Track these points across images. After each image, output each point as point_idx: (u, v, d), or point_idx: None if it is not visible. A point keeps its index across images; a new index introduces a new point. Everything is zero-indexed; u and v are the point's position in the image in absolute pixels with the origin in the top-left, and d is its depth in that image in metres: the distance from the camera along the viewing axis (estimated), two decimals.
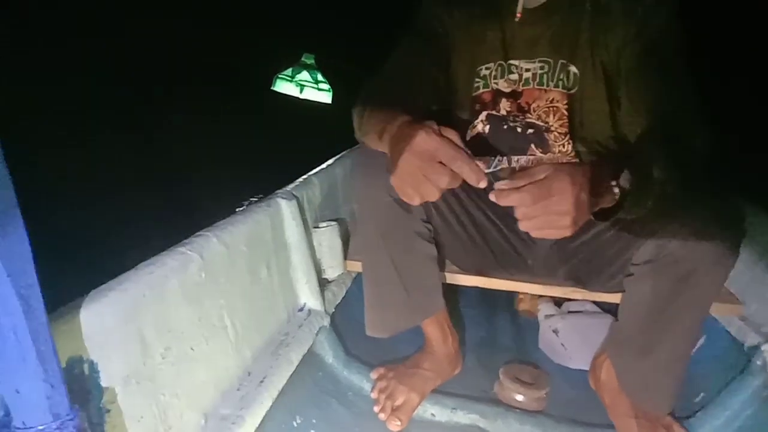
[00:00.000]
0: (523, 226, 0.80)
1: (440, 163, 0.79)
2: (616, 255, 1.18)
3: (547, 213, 0.77)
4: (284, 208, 1.23)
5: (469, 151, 0.80)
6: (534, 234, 0.80)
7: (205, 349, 0.94)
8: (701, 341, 1.50)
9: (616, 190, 0.85)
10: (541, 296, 1.76)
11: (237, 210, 1.14)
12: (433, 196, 0.82)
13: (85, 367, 0.69)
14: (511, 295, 1.88)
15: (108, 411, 0.72)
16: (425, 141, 0.80)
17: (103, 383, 0.72)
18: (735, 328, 1.38)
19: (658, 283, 1.05)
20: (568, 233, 0.79)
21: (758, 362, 1.24)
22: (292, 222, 1.25)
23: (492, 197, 0.79)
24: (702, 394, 1.35)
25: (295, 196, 1.27)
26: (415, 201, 0.83)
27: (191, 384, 0.90)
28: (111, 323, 0.74)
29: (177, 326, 0.87)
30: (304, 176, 1.43)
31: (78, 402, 0.63)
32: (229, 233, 1.03)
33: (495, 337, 1.72)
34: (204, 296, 0.94)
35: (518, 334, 1.74)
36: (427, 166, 0.79)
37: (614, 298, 1.24)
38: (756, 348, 1.27)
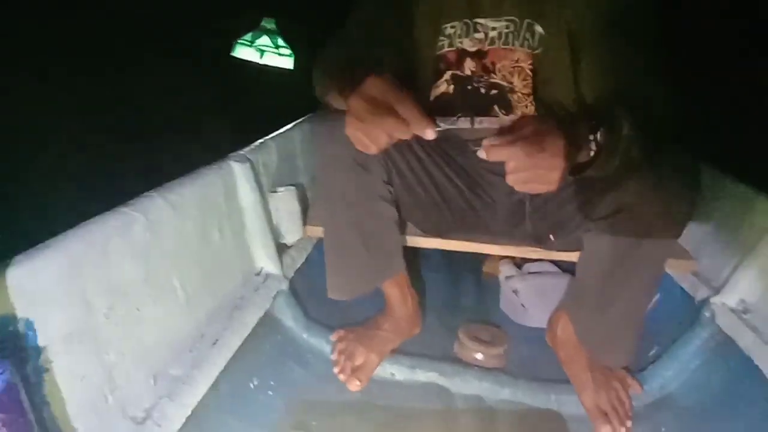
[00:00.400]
0: (510, 181, 0.80)
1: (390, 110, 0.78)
2: (575, 212, 1.18)
3: (537, 167, 0.77)
4: (237, 171, 1.22)
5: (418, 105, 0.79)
6: (520, 188, 0.81)
7: (153, 309, 0.93)
8: (656, 298, 1.53)
9: (593, 145, 0.85)
10: (503, 258, 1.78)
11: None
12: (382, 140, 0.81)
13: (20, 325, 0.68)
14: (476, 258, 1.89)
15: (46, 370, 0.71)
16: (373, 84, 0.80)
17: (41, 342, 0.71)
18: (687, 283, 1.41)
19: (616, 238, 1.06)
20: (553, 188, 0.79)
21: (707, 314, 1.28)
22: (246, 185, 1.23)
23: (481, 153, 0.79)
24: (656, 348, 1.39)
25: (249, 160, 1.25)
26: (370, 149, 0.83)
27: (139, 344, 0.89)
28: (47, 281, 0.73)
29: (121, 286, 0.86)
30: (260, 140, 1.41)
31: (12, 360, 0.63)
32: (177, 194, 1.01)
33: (457, 298, 1.74)
34: (150, 257, 0.93)
35: (480, 296, 1.76)
36: (373, 109, 0.79)
37: (573, 257, 1.25)
38: (705, 301, 1.30)
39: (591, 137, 0.85)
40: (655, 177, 0.98)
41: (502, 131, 0.79)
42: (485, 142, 0.79)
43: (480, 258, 1.90)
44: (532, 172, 0.78)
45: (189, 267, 1.04)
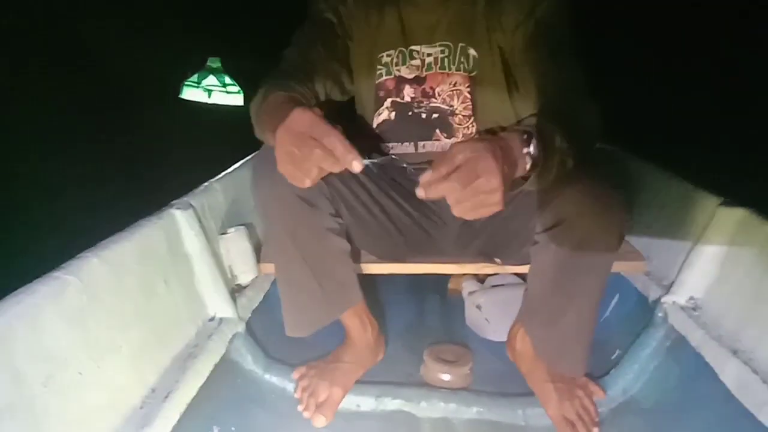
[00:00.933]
0: (457, 212, 0.79)
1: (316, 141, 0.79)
2: (521, 226, 1.20)
3: (477, 194, 0.77)
4: (179, 218, 1.21)
5: (345, 140, 0.80)
6: (468, 217, 0.80)
7: (97, 372, 0.91)
8: (614, 300, 1.55)
9: (528, 159, 0.86)
10: (465, 275, 1.79)
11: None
12: (312, 174, 0.82)
13: None
14: (440, 276, 1.90)
15: None
16: (299, 118, 0.81)
17: None
18: (641, 283, 1.43)
19: (558, 250, 1.08)
20: (500, 208, 0.79)
21: (660, 314, 1.29)
22: (190, 232, 1.22)
23: (419, 193, 0.79)
24: (617, 351, 1.40)
25: (192, 206, 1.25)
26: (303, 182, 0.83)
27: (82, 410, 0.87)
28: None
29: (58, 353, 0.85)
30: (206, 183, 1.40)
31: None
32: (113, 251, 1.00)
33: (422, 319, 1.74)
34: (88, 320, 0.91)
35: (446, 314, 1.76)
36: (299, 142, 0.80)
37: (525, 269, 1.26)
38: (657, 301, 1.31)
39: (524, 150, 0.86)
40: (590, 188, 1.01)
41: (434, 166, 0.79)
42: (421, 179, 0.79)
43: (445, 277, 1.91)
44: (474, 199, 0.77)
45: (133, 324, 1.02)
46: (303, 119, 0.81)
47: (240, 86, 3.35)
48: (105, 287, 0.96)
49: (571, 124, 0.95)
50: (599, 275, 1.11)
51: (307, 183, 0.83)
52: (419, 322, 1.72)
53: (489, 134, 1.18)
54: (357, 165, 0.79)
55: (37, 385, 0.80)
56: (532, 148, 0.86)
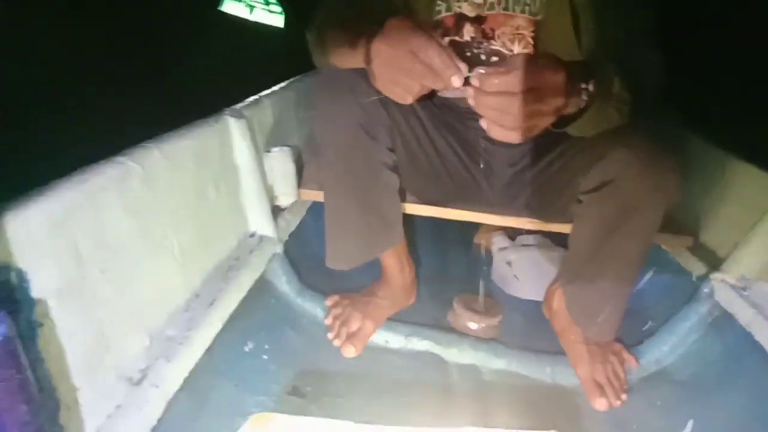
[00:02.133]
0: (496, 127, 0.75)
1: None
2: (567, 183, 1.17)
3: (538, 103, 0.73)
4: (233, 126, 1.16)
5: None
6: (510, 134, 0.75)
7: (149, 267, 0.88)
8: (650, 273, 1.53)
9: (585, 96, 0.82)
10: (496, 230, 1.76)
11: None
12: (414, 90, 0.78)
13: (13, 275, 0.63)
14: (466, 229, 1.87)
15: (41, 325, 0.66)
16: (395, 28, 0.77)
17: (34, 295, 0.66)
18: (684, 259, 1.40)
19: (603, 211, 1.05)
20: (549, 123, 0.76)
21: (706, 290, 1.27)
22: (242, 142, 1.17)
23: (474, 81, 0.74)
24: (650, 323, 1.39)
25: (244, 116, 1.20)
26: (405, 99, 0.79)
27: (134, 303, 0.84)
28: (40, 232, 0.67)
29: (116, 240, 0.81)
30: (255, 96, 1.35)
31: (8, 311, 0.58)
32: (174, 146, 0.95)
33: (449, 269, 1.72)
34: (147, 211, 0.87)
35: (473, 267, 1.74)
36: (399, 56, 0.75)
37: (567, 228, 1.23)
38: (704, 277, 1.29)
39: (584, 85, 0.82)
40: (643, 149, 0.97)
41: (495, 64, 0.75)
42: (476, 70, 0.75)
43: (470, 229, 1.88)
44: (531, 107, 0.73)
45: (185, 224, 0.98)
46: (401, 30, 0.76)
47: (282, 8, 3.23)
48: (164, 181, 0.92)
49: (632, 75, 0.91)
50: (641, 243, 1.08)
51: (409, 99, 0.79)
52: (446, 270, 1.70)
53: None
54: (456, 80, 0.74)
55: (95, 269, 0.77)
56: (590, 86, 0.82)
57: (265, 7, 3.12)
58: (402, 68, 0.76)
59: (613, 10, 1.06)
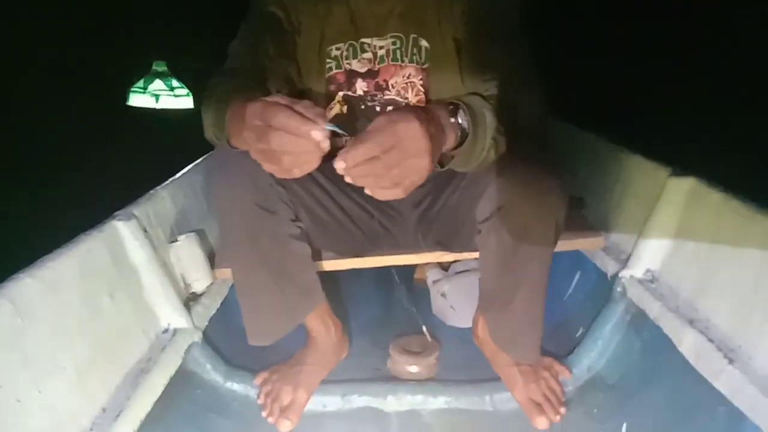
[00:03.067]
0: (378, 190, 0.73)
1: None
2: (466, 214, 1.19)
3: (404, 158, 0.71)
4: (122, 230, 1.16)
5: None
6: (393, 191, 0.73)
7: (38, 396, 0.87)
8: (576, 278, 1.55)
9: (457, 129, 0.83)
10: (429, 264, 1.77)
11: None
12: (285, 162, 0.73)
13: None
14: (407, 269, 1.88)
15: None
16: (251, 112, 0.74)
17: None
18: (599, 259, 1.42)
19: (500, 237, 1.07)
20: (427, 171, 0.74)
21: (618, 289, 1.29)
22: (135, 242, 1.18)
23: (337, 166, 0.71)
24: (581, 329, 1.40)
25: (135, 216, 1.20)
26: (291, 174, 0.75)
27: None
28: None
29: None
30: (151, 191, 1.36)
31: None
32: (50, 269, 0.96)
33: (389, 312, 1.72)
34: (25, 342, 0.87)
35: (413, 305, 1.74)
36: (261, 137, 0.72)
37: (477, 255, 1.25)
38: (616, 276, 1.31)
39: (452, 119, 0.82)
40: (525, 172, 1.00)
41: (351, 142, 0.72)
42: (339, 153, 0.71)
43: (410, 268, 1.89)
44: (403, 165, 0.71)
45: (78, 343, 0.98)
46: (254, 112, 0.74)
47: (189, 89, 3.26)
48: (42, 307, 0.92)
49: (506, 105, 0.93)
50: (542, 260, 1.10)
51: (296, 173, 0.75)
52: (386, 314, 1.70)
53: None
54: (317, 134, 0.70)
55: None
56: (460, 119, 0.83)
57: (170, 92, 3.16)
58: (270, 147, 0.72)
59: (491, 46, 1.10)
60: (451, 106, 0.84)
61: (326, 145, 0.71)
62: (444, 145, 0.82)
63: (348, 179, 0.72)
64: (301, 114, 0.71)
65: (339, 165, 0.71)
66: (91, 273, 1.06)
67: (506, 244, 1.06)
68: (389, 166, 0.70)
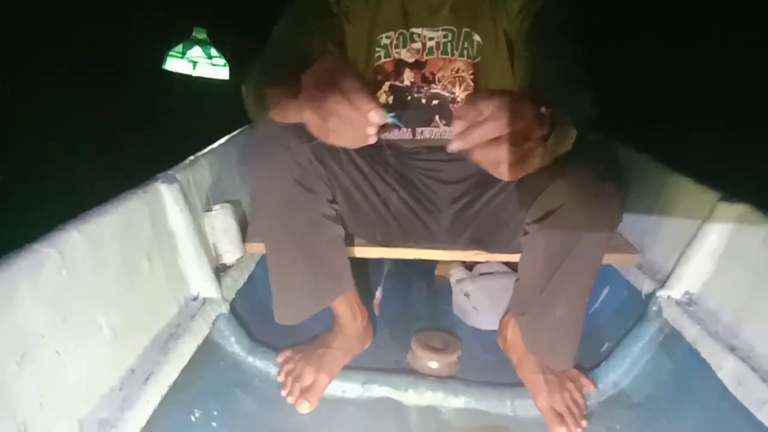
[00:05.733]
0: (498, 170, 0.71)
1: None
2: (512, 215, 1.18)
3: (523, 140, 0.69)
4: (164, 193, 1.15)
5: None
6: (512, 172, 0.71)
7: (75, 352, 0.86)
8: (605, 292, 1.54)
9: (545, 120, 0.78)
10: (453, 261, 1.76)
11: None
12: (335, 132, 0.73)
13: None
14: (427, 263, 1.87)
15: None
16: (324, 65, 0.74)
17: None
18: (633, 276, 1.41)
19: (549, 241, 1.06)
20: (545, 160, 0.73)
21: (654, 308, 1.28)
22: (175, 207, 1.16)
23: (452, 147, 0.69)
24: (607, 344, 1.39)
25: (177, 180, 1.19)
26: (325, 135, 0.74)
27: (59, 391, 0.82)
28: None
29: (34, 332, 0.79)
30: (191, 157, 1.34)
31: None
32: (95, 225, 0.94)
33: (409, 306, 1.71)
34: (68, 297, 0.86)
35: (433, 301, 1.73)
36: (327, 92, 0.71)
37: (516, 258, 1.23)
38: (652, 294, 1.30)
39: (541, 109, 0.77)
40: (581, 177, 0.98)
41: (460, 113, 0.70)
42: (454, 128, 0.70)
43: (432, 263, 1.88)
44: (519, 148, 0.69)
45: (114, 303, 0.97)
46: (326, 66, 0.74)
47: (226, 60, 3.23)
48: (85, 263, 0.91)
49: (566, 104, 0.90)
50: (590, 268, 1.09)
51: (332, 139, 0.75)
52: (406, 308, 1.69)
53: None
54: (374, 116, 0.70)
55: (11, 364, 0.75)
56: (543, 109, 0.78)
57: (208, 61, 3.14)
58: (327, 104, 0.71)
59: (546, 48, 1.08)
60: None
61: (373, 131, 0.71)
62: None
63: (456, 146, 0.70)
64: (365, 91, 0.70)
65: (452, 147, 0.69)
66: (133, 233, 1.05)
67: (557, 247, 1.05)
68: (512, 137, 0.68)
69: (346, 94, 0.70)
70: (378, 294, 1.62)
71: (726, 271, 1.17)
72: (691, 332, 1.14)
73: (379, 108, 0.70)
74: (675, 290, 1.25)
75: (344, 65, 0.74)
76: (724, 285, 1.17)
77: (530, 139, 0.70)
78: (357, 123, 0.71)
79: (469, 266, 1.74)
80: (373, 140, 0.72)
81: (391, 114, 0.71)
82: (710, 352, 1.08)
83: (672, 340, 1.21)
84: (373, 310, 1.57)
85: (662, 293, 1.27)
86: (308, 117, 0.75)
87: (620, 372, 1.28)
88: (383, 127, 0.73)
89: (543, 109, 0.77)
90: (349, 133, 0.73)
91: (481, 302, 1.59)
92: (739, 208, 1.17)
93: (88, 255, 0.91)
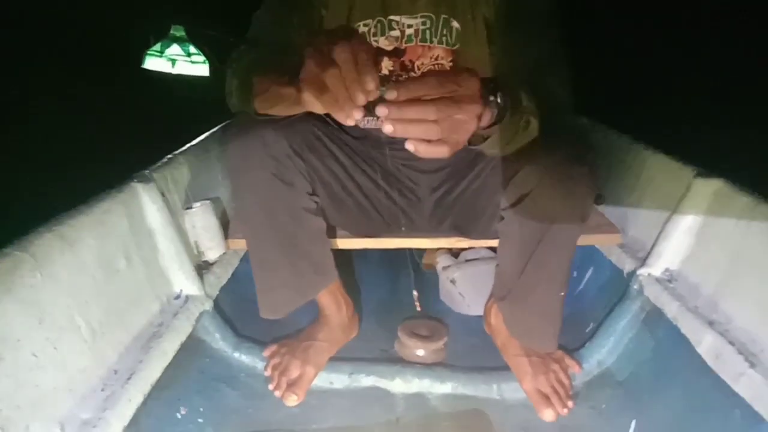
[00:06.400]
0: (422, 144, 0.68)
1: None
2: (488, 201, 1.19)
3: (458, 109, 0.67)
4: (140, 192, 1.15)
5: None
6: (439, 148, 0.68)
7: (53, 353, 0.86)
8: (588, 272, 1.54)
9: (494, 108, 0.77)
10: (440, 249, 1.76)
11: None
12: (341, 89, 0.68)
13: None
14: (416, 253, 1.87)
15: None
16: (325, 38, 0.72)
17: None
18: (615, 256, 1.41)
19: (524, 225, 1.06)
20: (469, 134, 0.70)
21: (635, 287, 1.28)
22: (152, 206, 1.16)
23: (389, 95, 0.66)
24: (591, 324, 1.39)
25: (154, 179, 1.19)
26: (321, 102, 0.70)
27: (38, 393, 0.82)
28: None
29: (9, 334, 0.79)
30: (169, 156, 1.34)
31: None
32: (70, 226, 0.94)
33: (396, 295, 1.71)
34: (44, 299, 0.86)
35: (420, 289, 1.73)
36: (325, 64, 0.69)
37: (496, 242, 1.24)
38: (632, 273, 1.30)
39: (491, 97, 0.76)
40: (555, 161, 0.98)
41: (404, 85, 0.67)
42: (379, 113, 0.66)
43: (419, 252, 1.88)
44: (449, 121, 0.67)
45: (93, 302, 0.97)
46: (325, 40, 0.71)
47: (205, 56, 3.21)
48: (61, 264, 0.90)
49: (539, 89, 0.89)
50: (566, 250, 1.09)
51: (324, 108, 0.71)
52: (393, 297, 1.69)
53: None
54: (370, 81, 0.67)
55: None
56: (498, 98, 0.77)
57: (187, 58, 3.12)
58: (330, 61, 0.68)
59: (524, 33, 1.08)
60: (492, 84, 0.77)
61: (363, 102, 0.67)
62: (485, 117, 0.76)
63: (388, 128, 0.66)
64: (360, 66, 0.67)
65: (389, 95, 0.66)
66: (109, 233, 1.04)
67: (531, 231, 1.05)
68: (442, 112, 0.66)
69: (355, 53, 0.68)
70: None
71: (704, 247, 1.18)
72: (671, 309, 1.15)
73: (368, 88, 0.67)
74: (655, 268, 1.25)
75: (340, 39, 0.70)
76: (702, 260, 1.17)
77: (461, 112, 0.68)
78: (353, 85, 0.67)
79: (455, 253, 1.75)
80: (359, 115, 0.68)
81: (383, 88, 0.68)
82: (690, 327, 1.08)
83: (653, 318, 1.22)
84: (357, 300, 1.57)
85: (643, 271, 1.27)
86: (307, 74, 0.72)
87: (604, 351, 1.29)
88: (367, 111, 0.70)
89: (492, 98, 0.76)
90: (342, 97, 0.68)
91: (466, 288, 1.60)
92: (715, 184, 1.17)
93: (63, 256, 0.91)
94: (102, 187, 1.10)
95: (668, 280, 1.23)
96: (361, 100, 0.67)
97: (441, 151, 0.69)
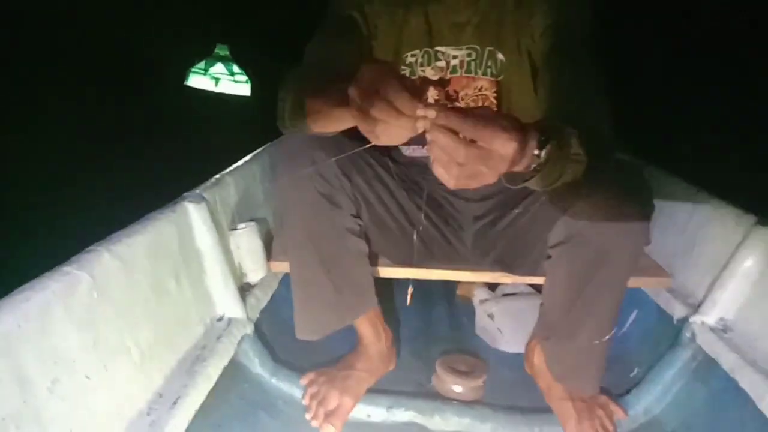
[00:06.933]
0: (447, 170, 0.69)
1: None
2: (536, 238, 1.17)
3: (479, 159, 0.67)
4: (192, 212, 1.14)
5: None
6: (460, 176, 0.69)
7: (105, 375, 0.85)
8: (633, 315, 1.51)
9: (535, 159, 0.75)
10: (475, 282, 1.74)
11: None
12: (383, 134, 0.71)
13: None
14: (449, 284, 1.85)
15: None
16: (367, 72, 0.72)
17: None
18: (664, 300, 1.38)
19: (572, 264, 1.05)
20: (501, 170, 0.70)
21: (687, 334, 1.25)
22: (203, 227, 1.16)
23: (430, 94, 0.70)
24: (636, 370, 1.36)
25: (205, 199, 1.18)
26: (381, 140, 0.72)
27: (89, 416, 0.81)
28: None
29: (66, 355, 0.78)
30: (217, 176, 1.34)
31: None
32: (126, 246, 0.93)
33: (432, 327, 1.69)
34: (98, 319, 0.85)
35: (455, 322, 1.71)
36: (366, 97, 0.70)
37: (541, 280, 1.21)
38: (684, 320, 1.27)
39: (536, 151, 0.75)
40: (606, 198, 0.97)
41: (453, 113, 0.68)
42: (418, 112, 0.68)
43: (453, 282, 1.86)
44: (476, 155, 0.67)
45: (143, 324, 0.96)
46: (368, 73, 0.72)
47: (248, 77, 3.23)
48: (116, 284, 0.90)
49: (587, 130, 0.88)
50: (614, 292, 1.07)
51: (383, 140, 0.72)
52: (428, 329, 1.67)
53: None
54: (421, 111, 0.68)
55: (43, 390, 0.74)
56: (543, 153, 0.75)
57: (230, 77, 3.15)
58: (373, 113, 0.70)
59: (568, 68, 1.06)
60: (543, 138, 0.76)
61: (422, 125, 0.69)
62: (517, 164, 0.74)
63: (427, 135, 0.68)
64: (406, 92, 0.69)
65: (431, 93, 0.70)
66: (161, 253, 1.04)
67: (580, 272, 1.03)
68: (468, 159, 0.67)
69: (391, 102, 0.68)
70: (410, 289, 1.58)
71: (763, 298, 1.14)
72: (727, 360, 1.12)
73: (424, 105, 0.69)
74: (709, 316, 1.22)
75: (387, 70, 0.72)
76: (761, 312, 1.14)
77: (482, 164, 0.68)
78: (405, 125, 0.69)
79: (492, 286, 1.72)
80: (422, 128, 0.69)
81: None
82: (750, 381, 1.05)
83: (706, 368, 1.18)
84: (393, 330, 1.54)
85: (695, 319, 1.24)
86: (358, 124, 0.74)
87: (652, 399, 1.25)
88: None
89: (537, 151, 0.74)
90: (397, 134, 0.71)
91: (505, 324, 1.57)
92: None
93: (119, 276, 0.91)
94: (148, 204, 1.10)
95: (723, 330, 1.19)
96: (422, 127, 0.68)
97: (445, 179, 0.70)
